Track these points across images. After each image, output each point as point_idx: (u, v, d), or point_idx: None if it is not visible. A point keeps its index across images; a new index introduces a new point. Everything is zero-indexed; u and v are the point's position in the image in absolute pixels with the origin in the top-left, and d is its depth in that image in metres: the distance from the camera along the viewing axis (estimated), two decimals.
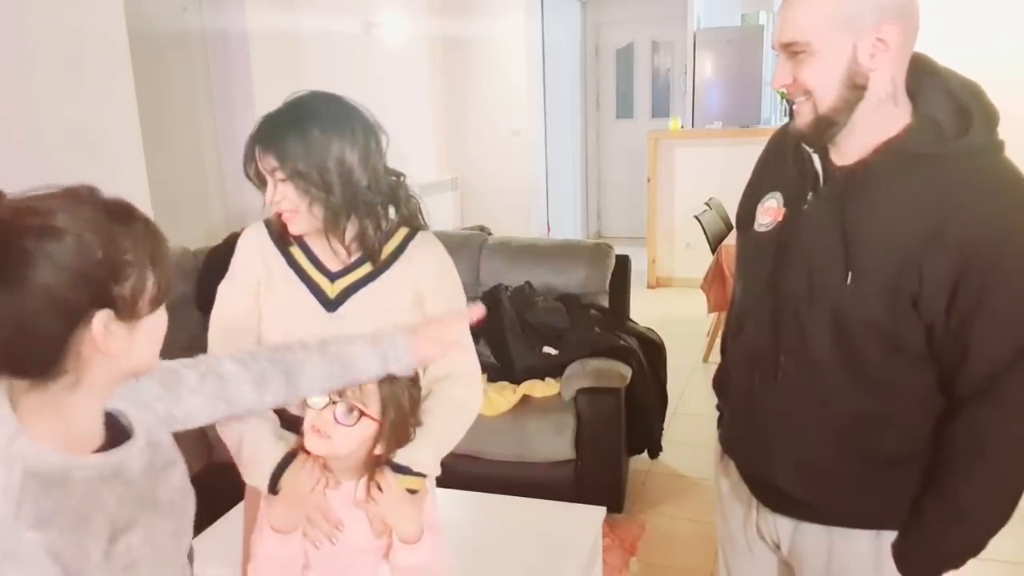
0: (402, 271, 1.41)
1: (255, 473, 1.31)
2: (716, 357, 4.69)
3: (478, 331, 3.03)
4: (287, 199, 1.32)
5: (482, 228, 5.33)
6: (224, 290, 1.46)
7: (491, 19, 6.08)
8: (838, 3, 1.04)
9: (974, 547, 1.16)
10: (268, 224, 1.44)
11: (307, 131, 1.29)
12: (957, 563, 1.18)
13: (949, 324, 1.07)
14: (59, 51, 2.98)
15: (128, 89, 3.28)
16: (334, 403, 1.21)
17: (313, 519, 1.27)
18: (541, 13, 6.57)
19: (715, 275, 3.99)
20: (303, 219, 1.34)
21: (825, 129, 1.12)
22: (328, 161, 1.30)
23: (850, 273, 1.10)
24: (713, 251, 4.27)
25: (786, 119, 5.01)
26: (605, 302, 3.33)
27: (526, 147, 6.38)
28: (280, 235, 1.41)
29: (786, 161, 1.23)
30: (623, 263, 3.43)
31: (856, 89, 1.07)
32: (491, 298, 3.16)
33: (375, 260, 1.40)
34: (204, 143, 4.04)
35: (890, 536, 1.21)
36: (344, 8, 4.80)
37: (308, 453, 1.27)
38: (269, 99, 1.37)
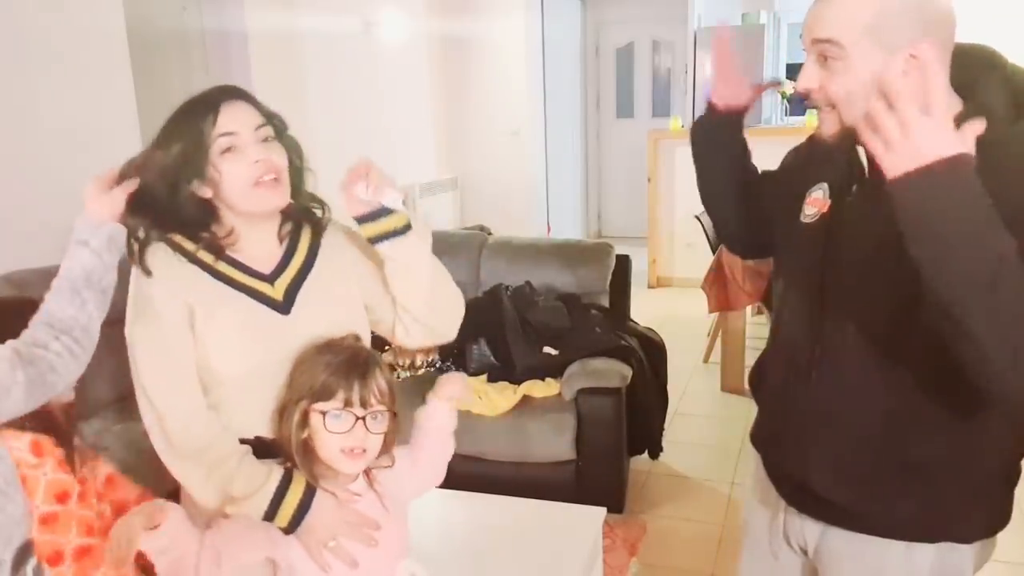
0: (330, 255, 1.37)
1: (254, 503, 1.22)
2: (716, 357, 4.69)
3: (479, 331, 3.05)
4: (278, 156, 1.25)
5: (482, 228, 5.33)
6: (145, 335, 1.24)
7: (491, 19, 6.08)
8: (877, 15, 1.01)
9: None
10: (173, 245, 1.27)
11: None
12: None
13: None
14: (58, 51, 2.97)
15: (127, 89, 3.28)
16: (359, 419, 1.18)
17: (348, 533, 1.21)
18: (541, 12, 6.56)
19: (716, 275, 3.99)
20: (283, 189, 1.26)
21: (853, 138, 1.09)
22: (277, 114, 1.30)
23: (899, 263, 1.02)
24: (714, 251, 4.26)
25: (787, 119, 5.00)
26: (605, 302, 3.32)
27: (526, 147, 6.37)
28: (192, 253, 1.27)
29: (832, 154, 1.21)
30: (623, 263, 3.42)
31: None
32: (491, 298, 3.15)
33: (320, 232, 1.36)
34: None
35: (922, 550, 1.17)
36: (343, 7, 4.80)
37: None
38: (269, 99, 1.36)
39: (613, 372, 2.86)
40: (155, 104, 3.66)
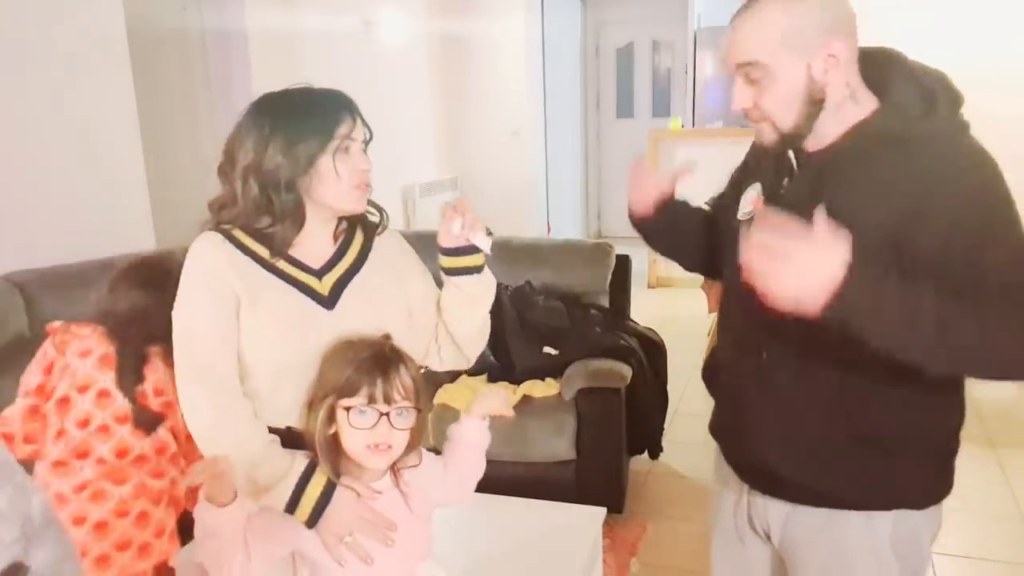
0: (380, 257, 1.41)
1: (277, 494, 1.24)
2: None
3: None
4: (370, 169, 1.33)
5: None
6: (193, 313, 1.29)
7: (491, 19, 6.08)
8: (788, 27, 1.10)
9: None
10: (227, 235, 1.31)
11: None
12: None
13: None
14: (58, 50, 2.97)
15: (127, 88, 3.28)
16: (383, 415, 1.19)
17: (363, 531, 1.22)
18: (541, 12, 6.56)
19: None
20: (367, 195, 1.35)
21: (790, 142, 1.19)
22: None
23: None
24: None
25: None
26: (605, 302, 3.32)
27: (526, 147, 6.37)
28: (246, 246, 1.31)
29: (764, 156, 1.30)
30: (623, 263, 3.42)
31: (815, 104, 1.14)
32: None
33: (372, 234, 1.41)
34: (203, 142, 4.04)
35: (881, 518, 1.24)
36: (343, 7, 4.80)
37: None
38: None
39: (613, 372, 2.86)
40: (155, 104, 3.66)
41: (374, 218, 1.43)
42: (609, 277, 3.36)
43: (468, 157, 6.31)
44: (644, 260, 6.19)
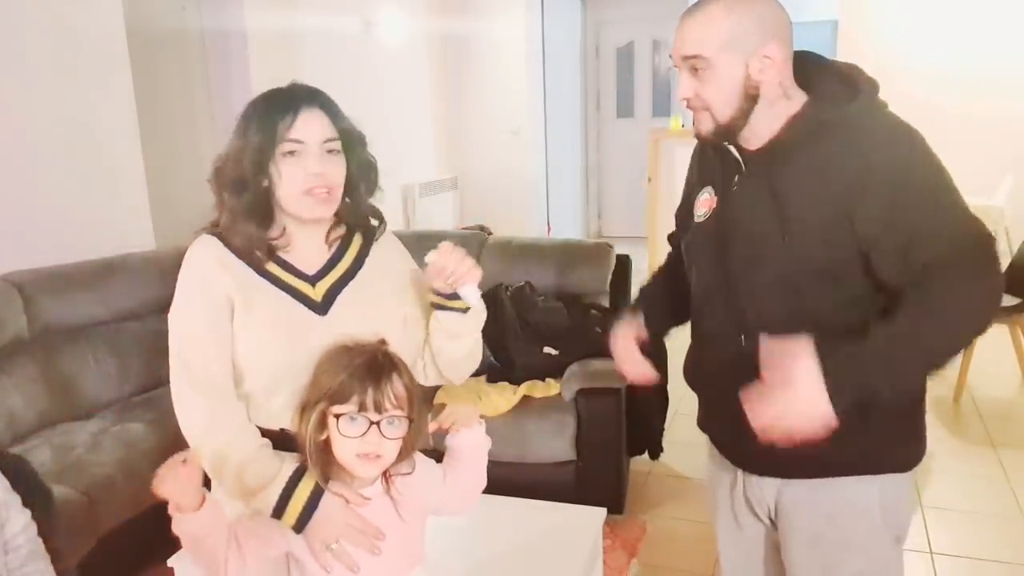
0: (376, 264, 1.39)
1: (265, 498, 1.23)
2: None
3: None
4: (336, 172, 1.28)
5: (482, 228, 5.32)
6: (188, 317, 1.28)
7: (491, 18, 6.08)
8: (730, 30, 1.21)
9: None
10: (221, 239, 1.30)
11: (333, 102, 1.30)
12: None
13: (888, 246, 1.20)
14: (58, 50, 2.98)
15: (127, 88, 3.28)
16: (374, 423, 1.18)
17: (350, 538, 1.21)
18: (541, 12, 6.56)
19: None
20: (332, 203, 1.30)
21: (725, 134, 1.29)
22: (354, 130, 1.31)
23: (786, 234, 1.24)
24: None
25: None
26: (605, 302, 3.32)
27: (526, 146, 6.38)
28: (241, 249, 1.30)
29: (711, 158, 1.39)
30: (623, 263, 3.42)
31: (750, 99, 1.24)
32: (491, 298, 3.15)
33: (370, 240, 1.40)
34: (202, 142, 4.04)
35: (870, 482, 1.32)
36: (343, 7, 4.80)
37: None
38: None
39: (613, 372, 2.84)
40: (154, 103, 3.67)
41: (372, 222, 1.41)
42: (609, 277, 3.35)
43: (468, 157, 6.31)
44: (644, 260, 6.19)
